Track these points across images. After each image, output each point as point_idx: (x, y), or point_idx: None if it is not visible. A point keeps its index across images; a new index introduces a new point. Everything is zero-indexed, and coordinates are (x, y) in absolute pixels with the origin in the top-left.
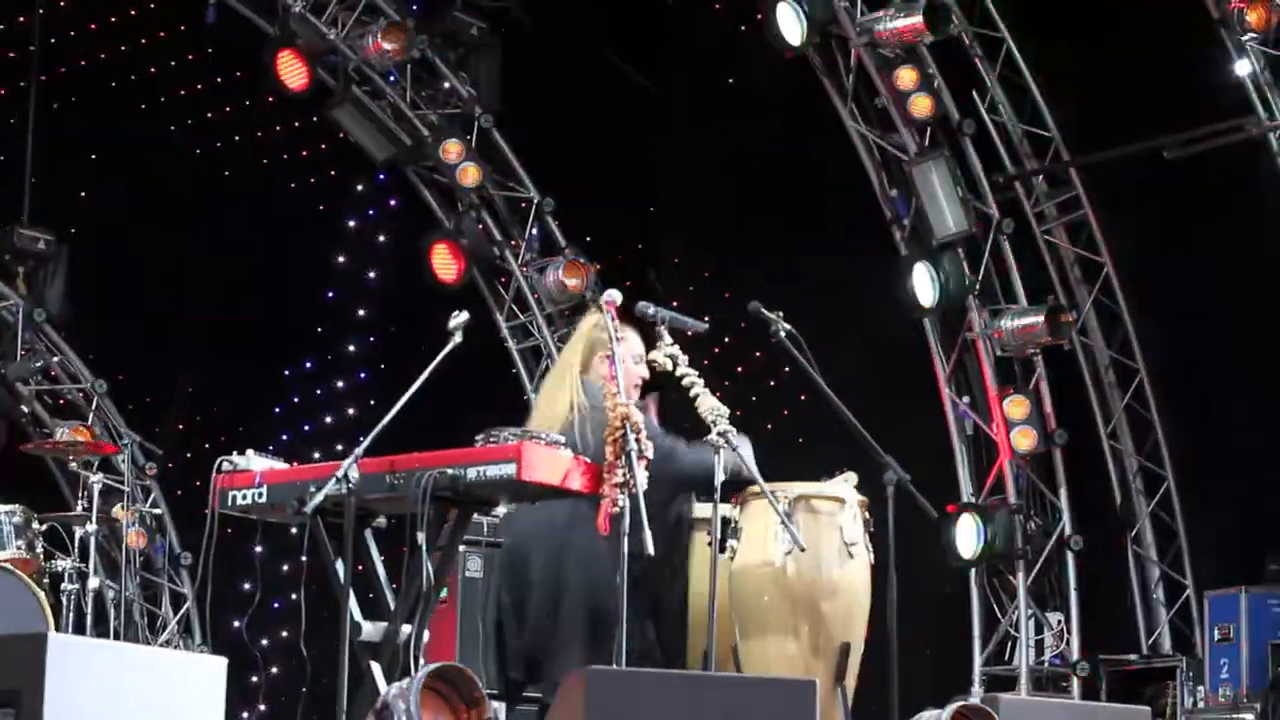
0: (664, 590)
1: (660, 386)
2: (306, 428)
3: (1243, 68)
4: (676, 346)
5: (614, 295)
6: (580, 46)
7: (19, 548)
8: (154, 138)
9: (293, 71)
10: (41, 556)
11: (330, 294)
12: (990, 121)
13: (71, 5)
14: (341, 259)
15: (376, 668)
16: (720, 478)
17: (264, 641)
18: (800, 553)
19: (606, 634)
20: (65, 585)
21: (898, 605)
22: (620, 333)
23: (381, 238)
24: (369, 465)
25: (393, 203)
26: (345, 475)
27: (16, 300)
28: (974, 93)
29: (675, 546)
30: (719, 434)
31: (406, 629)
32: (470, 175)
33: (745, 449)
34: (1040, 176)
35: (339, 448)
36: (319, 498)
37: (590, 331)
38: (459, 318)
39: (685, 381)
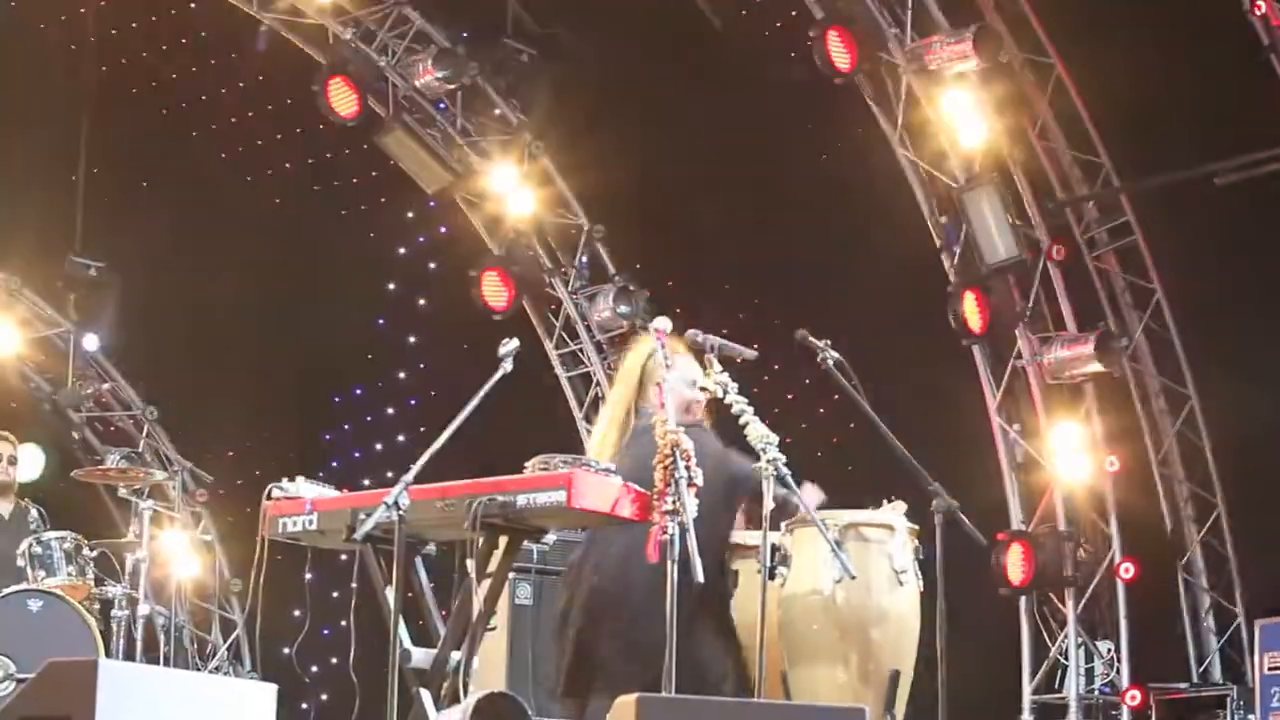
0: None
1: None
2: (357, 454)
3: None
4: (726, 374)
5: (664, 323)
6: (628, 72)
7: (70, 574)
8: (205, 165)
9: (343, 99)
10: (92, 583)
11: (381, 321)
12: (1040, 148)
13: (124, 32)
14: (392, 286)
15: (426, 695)
16: (770, 505)
17: (314, 668)
18: (850, 580)
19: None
20: (115, 611)
21: (947, 633)
22: (671, 359)
23: (432, 265)
24: (419, 492)
25: (443, 230)
26: (395, 502)
27: (68, 327)
28: (1024, 119)
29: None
30: (768, 461)
31: (456, 656)
32: (520, 202)
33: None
34: (1091, 203)
35: (389, 474)
36: (369, 524)
37: (644, 362)
38: (509, 345)
39: (735, 409)
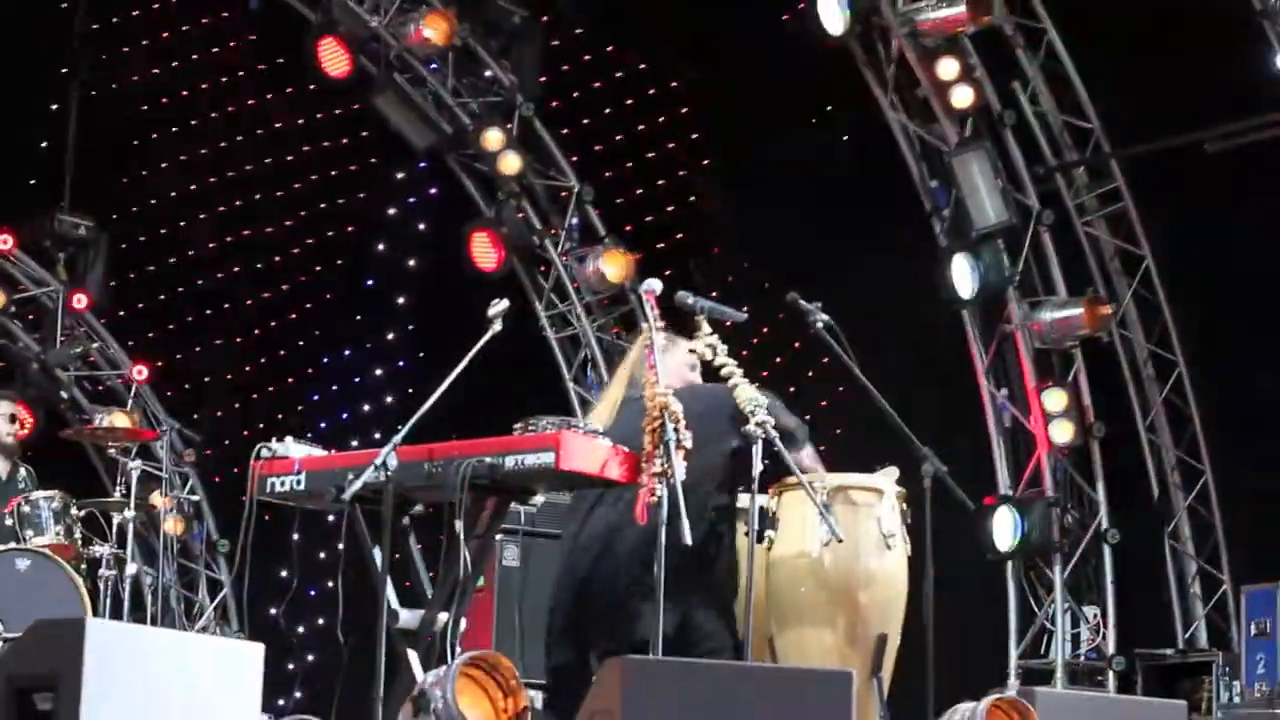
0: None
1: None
2: (345, 415)
3: None
4: (716, 336)
5: (654, 285)
6: (621, 36)
7: (57, 533)
8: (195, 124)
9: (334, 59)
10: (80, 542)
11: (370, 281)
12: (1031, 113)
13: None
14: (381, 246)
15: (413, 655)
16: (758, 468)
17: (300, 629)
18: (838, 544)
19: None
20: (103, 571)
21: (934, 597)
22: (674, 338)
23: (421, 225)
24: (407, 453)
25: (433, 191)
26: (384, 463)
27: (57, 286)
28: (1015, 84)
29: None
30: (757, 424)
31: (443, 617)
32: (511, 163)
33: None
34: (1081, 168)
35: (377, 435)
36: (357, 485)
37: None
38: (498, 306)
39: (724, 371)
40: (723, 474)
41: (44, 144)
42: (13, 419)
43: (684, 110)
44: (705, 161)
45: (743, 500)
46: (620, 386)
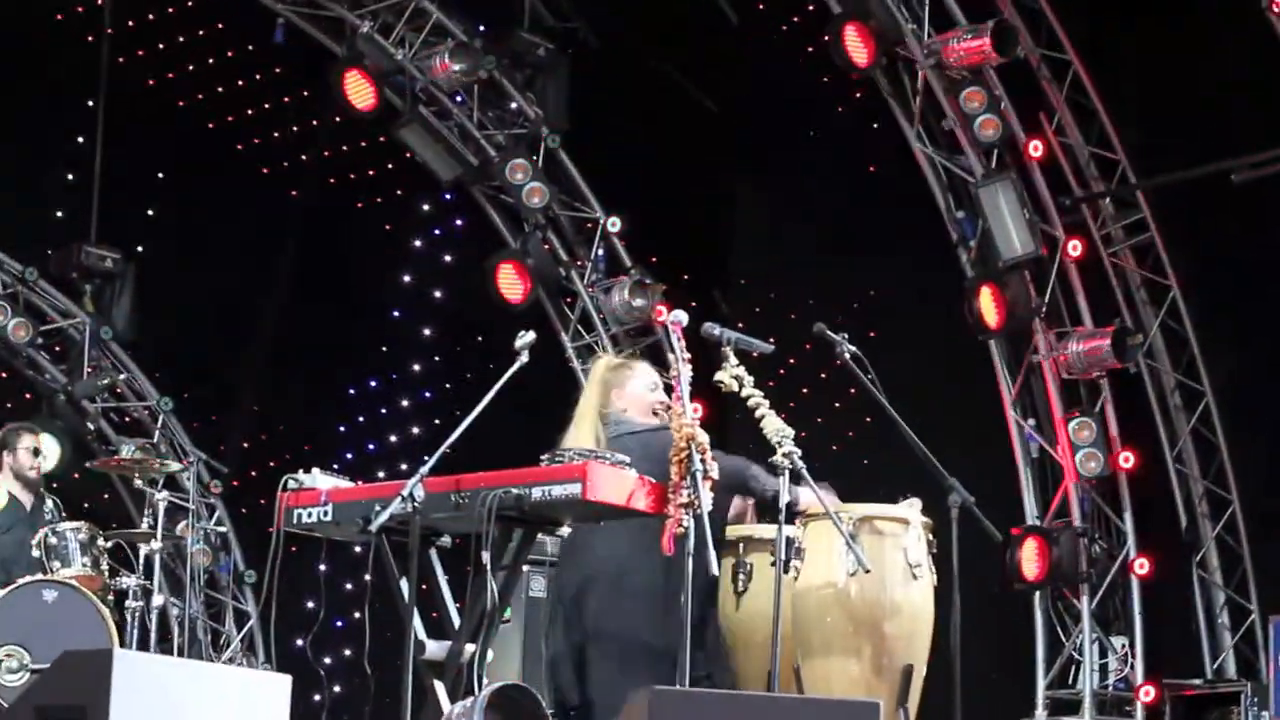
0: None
1: (728, 407)
2: (371, 447)
3: None
4: (742, 368)
5: (680, 316)
6: (647, 67)
7: (84, 565)
8: (221, 157)
9: (360, 91)
10: (107, 574)
11: (396, 313)
12: (1057, 144)
13: (139, 25)
14: (407, 278)
15: (440, 687)
16: (785, 498)
17: (327, 660)
18: (864, 574)
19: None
20: (130, 602)
21: (961, 628)
22: (631, 362)
23: (447, 257)
24: (434, 484)
25: (459, 222)
26: (411, 494)
27: (83, 318)
28: (1041, 115)
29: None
30: (784, 455)
31: (470, 648)
32: (536, 195)
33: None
34: (1107, 199)
35: (403, 467)
36: (384, 516)
37: (604, 373)
38: (525, 337)
39: (751, 402)
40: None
41: (70, 176)
42: (35, 452)
43: (709, 141)
44: (731, 192)
45: (769, 530)
46: (585, 427)
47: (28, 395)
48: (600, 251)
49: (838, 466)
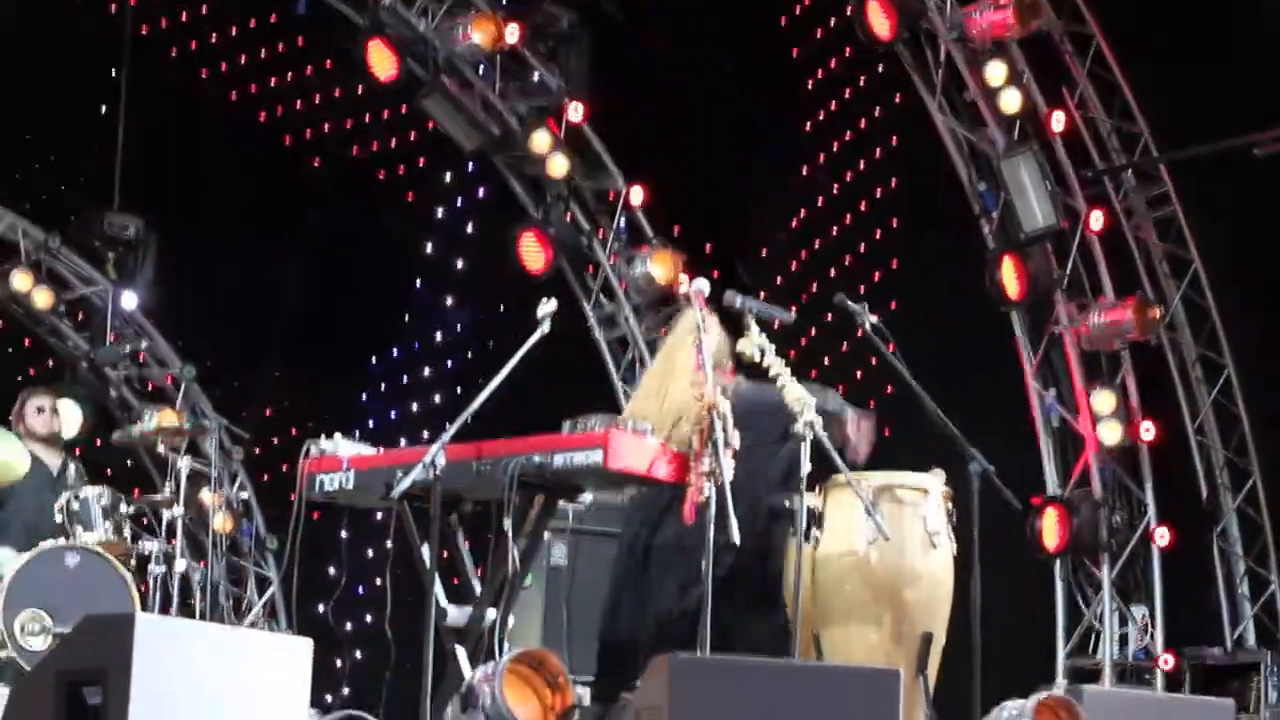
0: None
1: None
2: (393, 415)
3: None
4: (764, 337)
5: (702, 286)
6: (668, 38)
7: (107, 530)
8: (244, 126)
9: (383, 62)
10: (129, 539)
11: (418, 282)
12: (1079, 117)
13: None
14: (430, 248)
15: (461, 652)
16: (806, 468)
17: (349, 626)
18: (884, 542)
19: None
20: (152, 568)
21: (981, 596)
22: (707, 324)
23: (469, 227)
24: (456, 451)
25: (481, 192)
26: (433, 461)
27: (106, 285)
28: (1063, 88)
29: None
30: (805, 423)
31: (491, 614)
32: (558, 165)
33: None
34: (1129, 172)
35: (425, 435)
36: (406, 483)
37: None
38: (547, 306)
39: (772, 372)
40: (776, 475)
41: (94, 144)
42: (40, 410)
43: (732, 111)
44: (753, 162)
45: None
46: (658, 381)
47: (50, 362)
48: (622, 222)
49: None
